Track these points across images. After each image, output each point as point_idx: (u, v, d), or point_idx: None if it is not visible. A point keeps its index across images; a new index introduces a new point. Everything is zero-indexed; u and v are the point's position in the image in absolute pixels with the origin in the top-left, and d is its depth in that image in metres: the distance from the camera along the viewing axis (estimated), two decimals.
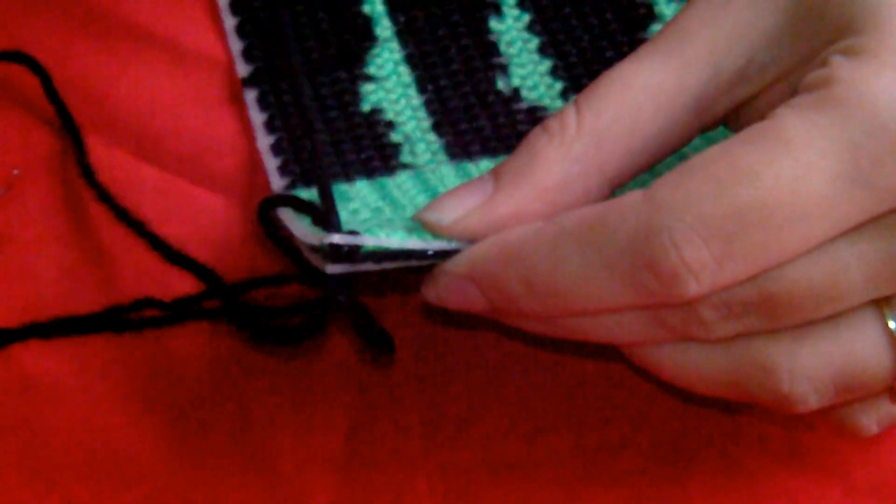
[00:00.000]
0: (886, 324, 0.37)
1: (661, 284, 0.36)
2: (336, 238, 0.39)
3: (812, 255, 0.36)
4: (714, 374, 0.38)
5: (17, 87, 0.50)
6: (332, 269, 0.39)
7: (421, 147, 0.46)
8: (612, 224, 0.36)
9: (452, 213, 0.39)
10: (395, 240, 0.39)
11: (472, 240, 0.39)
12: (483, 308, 0.39)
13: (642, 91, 0.38)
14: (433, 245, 0.39)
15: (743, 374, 0.38)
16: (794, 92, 0.37)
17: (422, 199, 0.44)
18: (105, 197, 0.46)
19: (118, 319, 0.44)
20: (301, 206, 0.40)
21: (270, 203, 0.40)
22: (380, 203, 0.44)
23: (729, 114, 0.40)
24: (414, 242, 0.39)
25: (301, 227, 0.40)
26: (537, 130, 0.39)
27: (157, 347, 0.46)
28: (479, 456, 0.45)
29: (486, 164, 0.45)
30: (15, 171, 0.49)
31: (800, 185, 0.34)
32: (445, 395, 0.46)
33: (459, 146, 0.46)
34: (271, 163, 0.46)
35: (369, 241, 0.39)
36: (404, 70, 0.48)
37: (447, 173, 0.45)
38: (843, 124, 0.35)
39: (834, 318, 0.37)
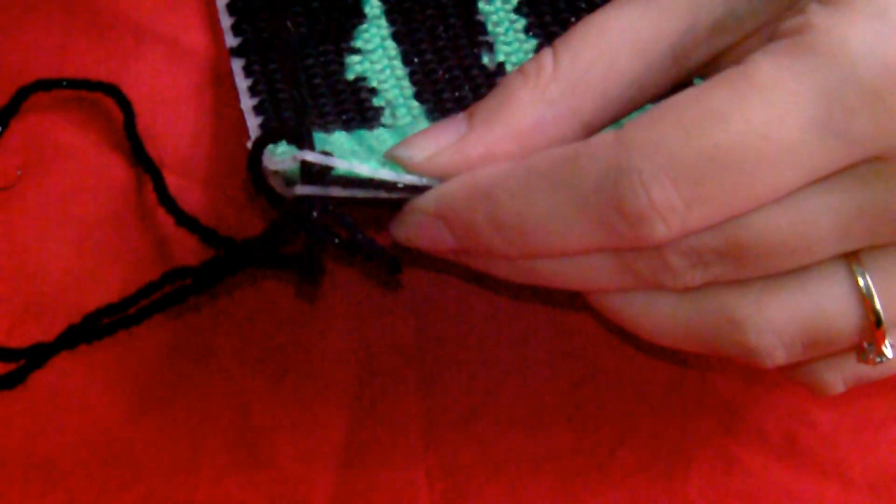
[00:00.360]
0: (855, 279, 0.37)
1: (629, 226, 0.35)
2: (308, 155, 0.38)
3: (782, 203, 0.36)
4: (680, 325, 0.38)
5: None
6: (302, 189, 0.39)
7: (402, 111, 0.46)
8: (582, 164, 0.35)
9: (424, 150, 0.38)
10: (367, 168, 0.39)
11: (442, 178, 0.38)
12: (451, 247, 0.39)
13: (619, 37, 0.38)
14: (404, 178, 0.39)
15: (710, 325, 0.38)
16: (770, 40, 0.36)
17: None
18: (184, 220, 0.46)
19: (158, 299, 0.43)
20: (278, 134, 0.40)
21: (257, 146, 0.40)
22: (356, 148, 0.43)
23: (706, 63, 0.40)
24: (385, 173, 0.39)
25: (279, 156, 0.40)
26: (514, 73, 0.39)
27: (157, 346, 0.46)
28: (479, 454, 0.45)
29: None
30: (18, 172, 0.49)
31: (771, 129, 0.34)
32: (445, 394, 0.46)
33: (441, 112, 0.46)
34: (252, 121, 0.46)
35: (341, 164, 0.39)
36: (391, 45, 0.48)
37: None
38: (817, 71, 0.34)
39: (802, 271, 0.37)
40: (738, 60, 0.37)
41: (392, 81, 0.47)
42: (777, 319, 0.37)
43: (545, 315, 0.46)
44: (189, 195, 0.48)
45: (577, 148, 0.36)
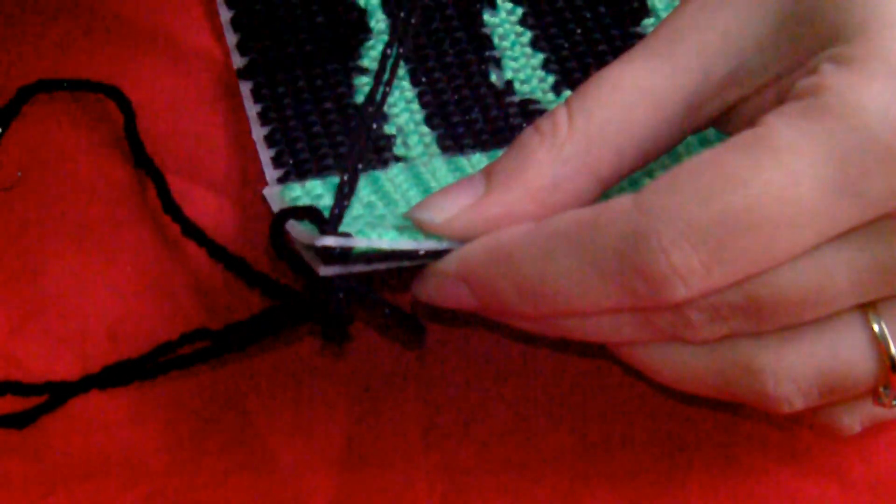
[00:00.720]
0: (871, 328, 0.38)
1: (650, 288, 0.36)
2: (328, 240, 0.39)
3: (799, 261, 0.36)
4: (701, 373, 0.39)
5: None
6: (325, 270, 0.39)
7: (414, 139, 0.47)
8: (602, 227, 0.36)
9: (444, 212, 0.39)
10: (386, 241, 0.39)
11: (463, 239, 0.39)
12: (473, 307, 0.39)
13: (633, 92, 0.38)
14: (424, 245, 0.39)
15: (729, 374, 0.38)
16: (783, 97, 0.37)
17: (413, 194, 0.44)
18: (190, 230, 0.46)
19: (169, 360, 0.44)
20: (304, 213, 0.40)
21: (282, 217, 0.40)
22: (372, 197, 0.44)
23: (719, 115, 0.40)
24: (405, 243, 0.39)
25: (299, 230, 0.40)
26: (529, 131, 0.39)
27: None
28: (479, 455, 0.45)
29: (477, 158, 0.46)
30: (18, 173, 0.49)
31: (787, 192, 0.35)
32: (445, 395, 0.46)
33: (452, 139, 0.47)
34: (265, 154, 0.46)
35: (361, 242, 0.39)
36: (407, 88, 0.48)
37: (439, 167, 0.45)
38: (831, 133, 0.35)
39: (819, 321, 0.38)
40: (751, 114, 0.38)
41: (402, 105, 0.47)
42: (794, 368, 0.38)
43: None
44: (192, 199, 0.48)
45: (597, 211, 0.36)
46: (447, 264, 0.39)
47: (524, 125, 0.46)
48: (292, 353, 0.46)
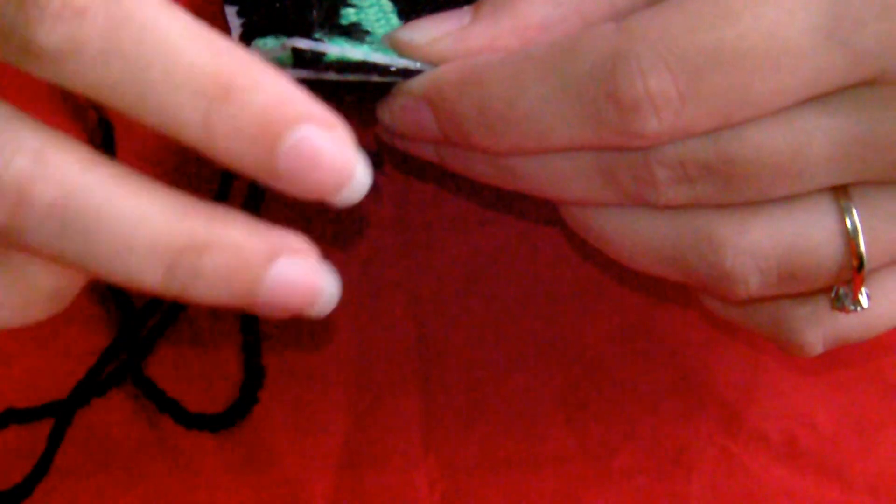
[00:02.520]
0: (842, 215, 0.37)
1: (621, 116, 0.34)
2: (299, 42, 0.38)
3: (777, 119, 0.35)
4: (657, 244, 0.37)
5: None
6: (296, 73, 0.38)
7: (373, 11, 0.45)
8: (579, 52, 0.34)
9: (426, 34, 0.38)
10: (360, 52, 0.38)
11: (438, 64, 0.38)
12: (433, 135, 0.38)
13: None
14: (398, 62, 0.38)
15: (687, 245, 0.37)
16: None
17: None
18: None
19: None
20: (266, 25, 0.39)
21: (245, 38, 0.39)
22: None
23: None
24: (378, 57, 0.38)
25: (265, 49, 0.39)
26: None
27: (157, 345, 0.46)
28: (479, 455, 0.45)
29: None
30: None
31: (778, 30, 0.33)
32: (445, 395, 0.46)
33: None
34: (232, 15, 0.45)
35: (333, 49, 0.38)
36: (386, 3, 0.48)
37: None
38: None
39: (789, 200, 0.36)
40: None
41: (387, 28, 0.46)
42: (756, 244, 0.36)
43: (545, 315, 0.46)
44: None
45: (578, 35, 0.35)
46: (416, 84, 0.38)
47: None
48: (293, 353, 0.46)
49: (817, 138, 0.35)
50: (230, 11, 0.44)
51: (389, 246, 0.46)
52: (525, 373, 0.46)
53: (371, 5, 0.45)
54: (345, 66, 0.38)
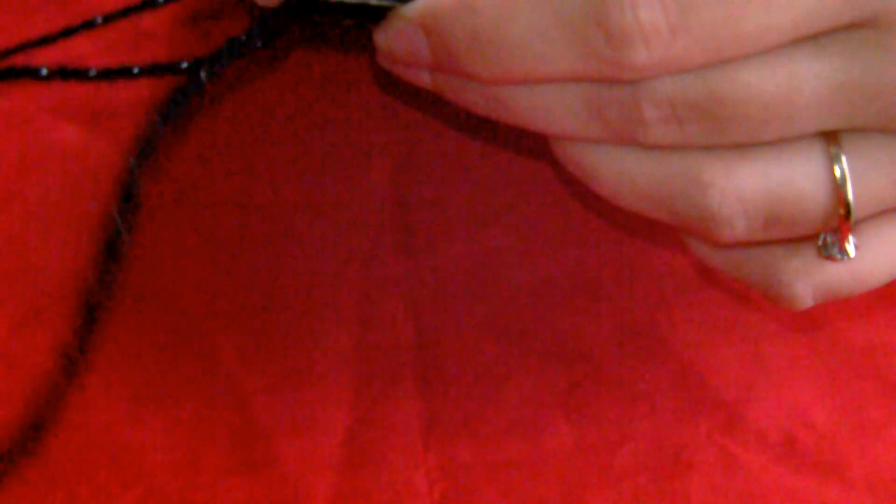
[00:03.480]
0: (830, 161, 0.36)
1: (610, 46, 0.34)
2: None
3: (768, 58, 0.35)
4: (643, 183, 0.37)
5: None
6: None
7: None
8: None
9: None
10: None
11: None
12: (426, 62, 0.38)
13: None
14: None
15: (673, 186, 0.37)
16: None
17: None
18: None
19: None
20: None
21: None
22: None
23: None
24: None
25: None
26: None
27: (158, 345, 0.46)
28: (479, 454, 0.45)
29: None
30: None
31: None
32: (445, 394, 0.46)
33: None
34: None
35: None
36: None
37: None
38: None
39: (777, 144, 0.36)
40: None
41: None
42: (744, 186, 0.36)
43: (545, 315, 0.46)
44: None
45: None
46: (411, 8, 0.37)
47: None
48: (293, 353, 0.46)
49: (809, 81, 0.35)
50: None
51: (389, 246, 0.46)
52: (525, 373, 0.46)
53: None
54: None
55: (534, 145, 0.46)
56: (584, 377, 0.46)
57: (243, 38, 0.39)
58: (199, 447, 0.45)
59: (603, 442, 0.45)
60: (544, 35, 0.35)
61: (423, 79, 0.39)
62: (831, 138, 0.36)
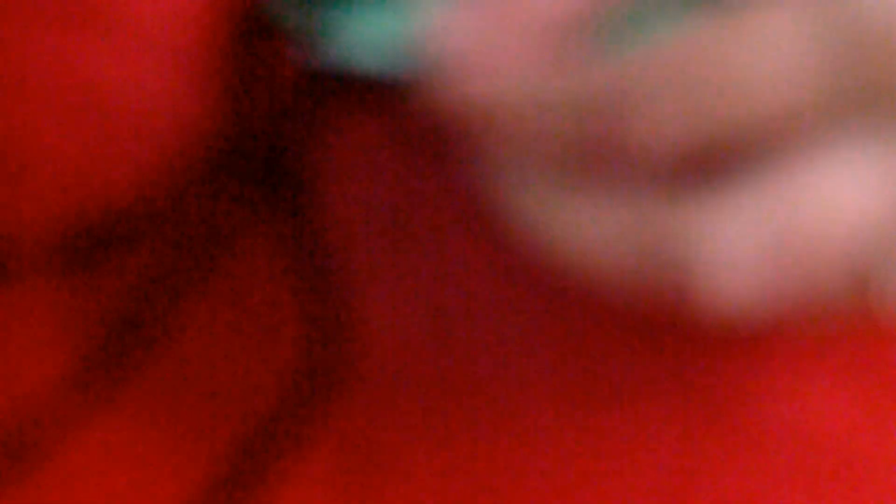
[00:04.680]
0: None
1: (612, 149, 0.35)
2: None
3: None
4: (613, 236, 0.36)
5: None
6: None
7: None
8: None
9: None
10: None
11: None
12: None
13: None
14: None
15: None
16: None
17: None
18: None
19: None
20: None
21: None
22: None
23: None
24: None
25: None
26: None
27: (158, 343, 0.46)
28: (479, 454, 0.45)
29: None
30: None
31: (775, 51, 0.33)
32: (445, 394, 0.46)
33: None
34: None
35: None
36: None
37: None
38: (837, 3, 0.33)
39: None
40: None
41: None
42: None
43: (545, 315, 0.46)
44: None
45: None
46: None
47: None
48: None
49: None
50: None
51: (389, 246, 0.46)
52: (525, 372, 0.46)
53: None
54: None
55: None
56: (584, 377, 0.46)
57: None
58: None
59: (603, 442, 0.45)
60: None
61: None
62: None
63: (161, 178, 0.46)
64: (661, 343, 0.44)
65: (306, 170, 0.40)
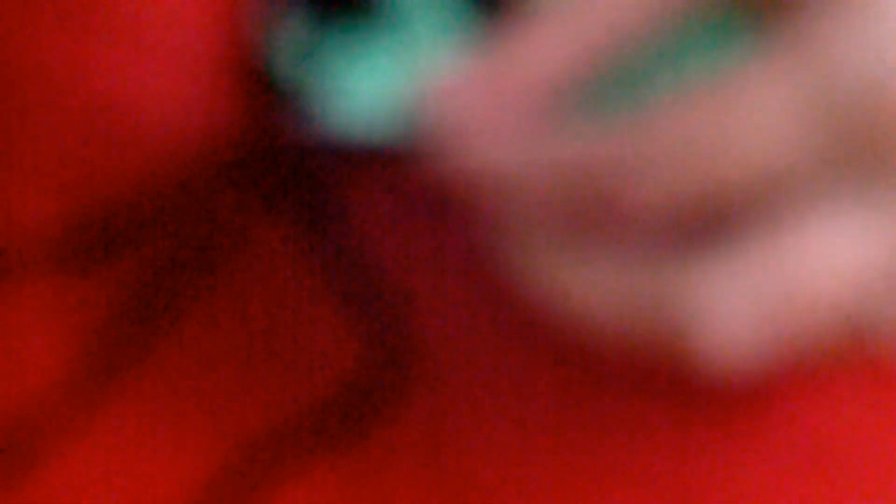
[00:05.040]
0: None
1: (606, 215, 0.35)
2: None
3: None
4: (614, 298, 0.37)
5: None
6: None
7: None
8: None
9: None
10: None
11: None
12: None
13: None
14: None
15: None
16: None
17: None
18: None
19: None
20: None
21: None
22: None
23: None
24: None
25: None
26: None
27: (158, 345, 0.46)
28: (479, 454, 0.45)
29: None
30: None
31: (762, 122, 0.34)
32: (446, 393, 0.46)
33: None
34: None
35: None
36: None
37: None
38: (816, 72, 0.34)
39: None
40: None
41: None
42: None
43: (544, 315, 0.46)
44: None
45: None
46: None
47: None
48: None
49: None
50: None
51: (389, 246, 0.46)
52: (524, 372, 0.46)
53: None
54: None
55: None
56: (584, 377, 0.46)
57: None
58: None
59: (602, 441, 0.45)
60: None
61: None
62: None
63: (161, 180, 0.46)
64: (661, 391, 0.44)
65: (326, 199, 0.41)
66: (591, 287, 0.36)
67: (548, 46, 0.36)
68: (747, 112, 0.34)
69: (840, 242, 0.35)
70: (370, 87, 0.38)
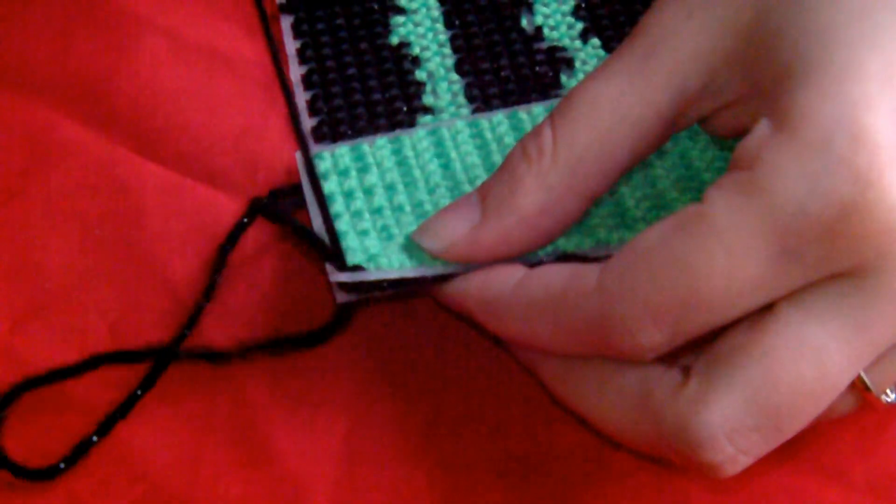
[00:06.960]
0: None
1: (620, 355, 0.39)
2: (342, 276, 0.43)
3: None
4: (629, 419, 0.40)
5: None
6: (341, 297, 0.43)
7: (443, 87, 0.49)
8: (570, 305, 0.39)
9: (443, 240, 0.42)
10: (395, 271, 0.43)
11: (464, 263, 0.42)
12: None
13: (611, 113, 0.41)
14: (428, 273, 0.43)
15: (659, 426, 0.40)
16: (757, 112, 0.39)
17: (433, 168, 0.46)
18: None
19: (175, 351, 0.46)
20: (311, 239, 0.44)
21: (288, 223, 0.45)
22: (393, 173, 0.46)
23: (700, 119, 0.42)
24: (411, 271, 0.43)
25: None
26: (517, 153, 0.42)
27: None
28: (479, 453, 0.45)
29: (498, 119, 0.47)
30: None
31: (733, 271, 0.37)
32: (445, 393, 0.46)
33: (479, 88, 0.49)
34: (301, 96, 0.48)
35: (372, 275, 0.43)
36: (433, 4, 0.50)
37: (461, 130, 0.47)
38: (768, 210, 0.37)
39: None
40: (732, 118, 0.41)
41: (434, 48, 0.49)
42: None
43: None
44: (191, 193, 0.48)
45: (565, 288, 0.40)
46: (452, 289, 0.43)
47: (549, 73, 0.49)
48: (293, 353, 0.46)
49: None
50: (300, 99, 0.46)
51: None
52: (524, 372, 0.46)
53: (419, 7, 0.49)
54: (385, 283, 0.43)
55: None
56: None
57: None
58: (200, 446, 0.45)
59: (603, 442, 0.45)
60: (560, 342, 0.40)
61: None
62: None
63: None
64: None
65: None
66: (600, 393, 0.41)
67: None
68: (710, 246, 0.38)
69: (822, 343, 0.38)
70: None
